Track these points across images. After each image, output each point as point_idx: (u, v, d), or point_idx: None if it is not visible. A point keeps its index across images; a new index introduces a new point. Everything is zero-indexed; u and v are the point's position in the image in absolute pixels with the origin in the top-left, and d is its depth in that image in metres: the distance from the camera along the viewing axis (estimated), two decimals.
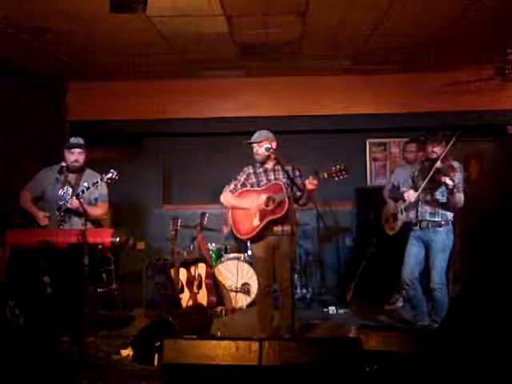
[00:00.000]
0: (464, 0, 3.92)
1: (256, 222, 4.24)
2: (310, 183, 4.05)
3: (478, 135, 6.73)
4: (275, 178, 4.30)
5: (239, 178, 4.41)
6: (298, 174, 4.33)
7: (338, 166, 4.01)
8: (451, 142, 4.32)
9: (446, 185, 4.22)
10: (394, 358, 2.88)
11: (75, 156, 4.53)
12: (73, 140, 4.61)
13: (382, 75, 6.25)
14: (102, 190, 4.57)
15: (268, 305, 4.41)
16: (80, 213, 4.31)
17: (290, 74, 6.29)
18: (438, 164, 4.30)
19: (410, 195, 4.51)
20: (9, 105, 5.37)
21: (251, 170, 4.39)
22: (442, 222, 4.46)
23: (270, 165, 4.33)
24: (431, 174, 4.33)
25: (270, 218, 4.19)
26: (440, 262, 4.45)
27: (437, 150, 4.39)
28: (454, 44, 5.07)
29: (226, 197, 4.39)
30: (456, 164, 4.44)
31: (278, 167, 4.28)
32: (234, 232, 4.45)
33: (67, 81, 6.43)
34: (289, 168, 4.27)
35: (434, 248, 4.47)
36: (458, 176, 4.36)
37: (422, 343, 2.95)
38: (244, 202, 4.30)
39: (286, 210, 4.11)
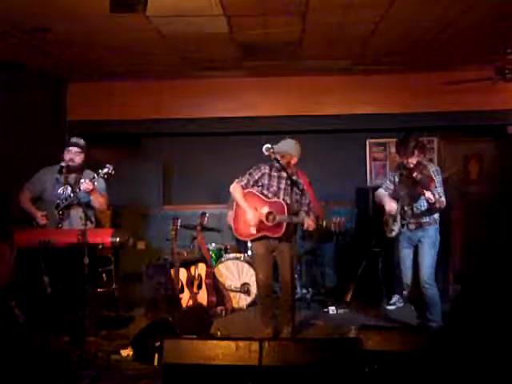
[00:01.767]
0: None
1: (253, 230, 4.33)
2: (309, 225, 4.22)
3: (478, 135, 6.73)
4: (284, 188, 4.32)
5: (254, 174, 4.39)
6: (306, 193, 4.40)
7: (338, 219, 4.20)
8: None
9: (428, 199, 4.22)
10: (393, 358, 2.87)
11: (71, 155, 4.56)
12: (72, 139, 4.68)
13: (382, 75, 6.25)
14: (100, 184, 4.58)
15: (269, 302, 4.48)
16: (81, 204, 4.29)
17: (290, 74, 6.28)
18: (417, 175, 4.29)
19: (393, 209, 4.53)
20: (9, 105, 5.36)
21: (267, 171, 4.37)
22: (431, 222, 4.45)
23: (285, 173, 4.25)
24: (411, 186, 4.37)
25: (265, 234, 4.30)
26: (429, 259, 4.42)
27: (412, 160, 4.37)
28: (453, 44, 5.07)
29: (236, 189, 4.40)
30: (433, 168, 4.43)
31: (291, 178, 4.18)
32: (233, 230, 4.53)
33: (67, 81, 6.43)
34: (300, 185, 4.30)
35: (424, 244, 4.44)
36: (438, 181, 4.34)
37: (423, 343, 2.96)
38: (247, 207, 4.34)
39: (281, 234, 4.22)
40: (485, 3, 4.00)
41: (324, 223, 4.15)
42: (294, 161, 4.32)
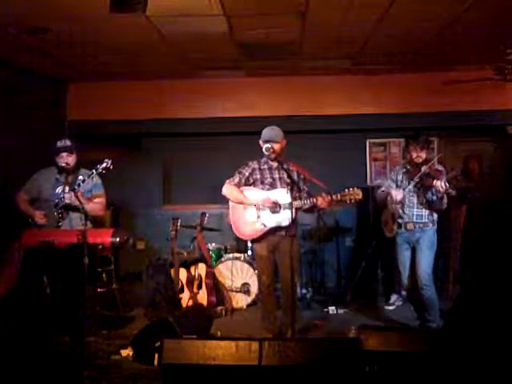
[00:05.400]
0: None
1: (259, 225, 4.25)
2: (323, 202, 4.07)
3: (478, 135, 6.73)
4: (280, 178, 4.30)
5: (244, 172, 4.34)
6: (301, 177, 4.35)
7: (352, 190, 4.01)
8: (436, 158, 4.36)
9: (437, 190, 4.20)
10: (394, 358, 2.87)
11: (64, 159, 4.56)
12: (59, 144, 4.60)
13: (382, 75, 6.25)
14: (96, 180, 4.57)
15: (271, 303, 4.44)
16: (79, 209, 4.27)
17: (290, 74, 6.28)
18: (425, 168, 4.32)
19: (397, 194, 4.48)
20: (9, 105, 5.36)
21: (256, 166, 4.34)
22: (429, 224, 4.45)
23: (275, 163, 4.30)
24: (419, 178, 4.36)
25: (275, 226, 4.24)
26: (427, 260, 4.42)
27: (422, 155, 4.41)
28: (453, 44, 5.06)
29: (231, 190, 4.32)
30: (440, 167, 4.45)
31: (283, 167, 4.25)
32: (234, 231, 4.46)
33: (67, 81, 6.43)
34: (293, 172, 4.29)
35: (422, 245, 4.44)
36: (445, 179, 4.37)
37: (423, 343, 2.95)
38: (249, 199, 4.27)
39: (290, 222, 4.09)
40: (485, 3, 4.00)
41: (338, 197, 4.03)
42: (283, 144, 4.29)
